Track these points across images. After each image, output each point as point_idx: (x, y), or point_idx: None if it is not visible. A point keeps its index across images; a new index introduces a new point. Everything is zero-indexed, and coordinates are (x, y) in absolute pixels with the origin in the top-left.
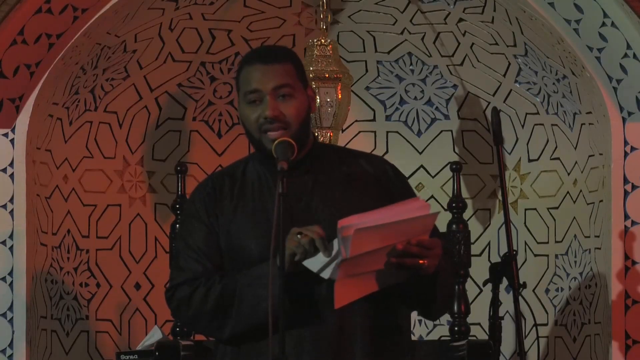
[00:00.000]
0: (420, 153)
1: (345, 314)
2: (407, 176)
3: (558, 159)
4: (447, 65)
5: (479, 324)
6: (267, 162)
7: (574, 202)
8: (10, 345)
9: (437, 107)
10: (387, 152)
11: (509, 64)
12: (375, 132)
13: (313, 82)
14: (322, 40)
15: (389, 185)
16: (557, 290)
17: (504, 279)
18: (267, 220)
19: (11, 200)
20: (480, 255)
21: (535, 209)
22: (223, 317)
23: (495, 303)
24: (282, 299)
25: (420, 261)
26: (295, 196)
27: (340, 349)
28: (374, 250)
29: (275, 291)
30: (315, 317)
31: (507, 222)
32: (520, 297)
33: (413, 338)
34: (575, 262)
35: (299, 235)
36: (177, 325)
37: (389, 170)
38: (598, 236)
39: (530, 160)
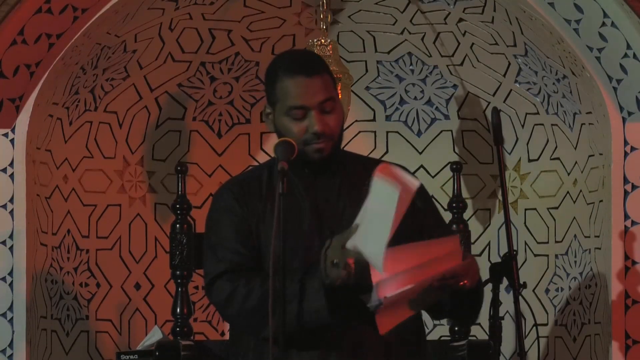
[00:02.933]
0: (420, 153)
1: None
2: None
3: (558, 159)
4: (447, 65)
5: (479, 324)
6: (299, 170)
7: (574, 202)
8: (10, 345)
9: (437, 107)
10: (387, 152)
11: (509, 64)
12: (375, 132)
13: None
14: (322, 40)
15: None
16: (557, 290)
17: (504, 279)
18: (297, 223)
19: (11, 200)
20: (480, 255)
21: (535, 209)
22: (265, 316)
23: (495, 303)
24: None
25: (461, 283)
26: (324, 198)
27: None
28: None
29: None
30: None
31: (507, 222)
32: (520, 297)
33: None
34: (575, 262)
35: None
36: (177, 325)
37: None
38: (598, 236)
39: (530, 160)
